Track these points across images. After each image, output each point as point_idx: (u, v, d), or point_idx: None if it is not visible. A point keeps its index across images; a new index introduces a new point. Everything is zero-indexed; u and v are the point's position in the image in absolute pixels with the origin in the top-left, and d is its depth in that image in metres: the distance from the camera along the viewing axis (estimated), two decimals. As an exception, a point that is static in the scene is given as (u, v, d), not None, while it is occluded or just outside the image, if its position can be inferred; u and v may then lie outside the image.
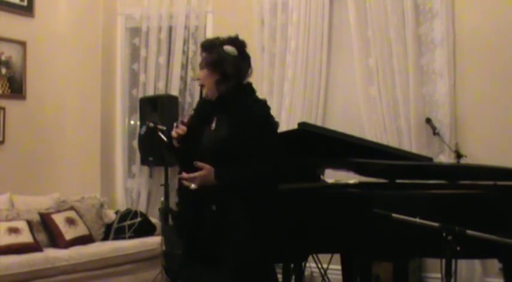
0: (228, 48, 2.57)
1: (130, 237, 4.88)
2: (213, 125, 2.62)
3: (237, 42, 2.61)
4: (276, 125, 2.61)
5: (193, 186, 2.48)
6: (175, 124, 2.68)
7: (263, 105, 2.60)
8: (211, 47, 2.61)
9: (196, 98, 5.13)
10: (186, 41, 5.54)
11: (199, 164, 2.48)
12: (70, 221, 4.63)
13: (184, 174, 2.50)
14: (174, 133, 2.62)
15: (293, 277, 3.33)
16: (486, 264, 4.32)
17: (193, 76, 2.65)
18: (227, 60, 2.56)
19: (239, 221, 2.49)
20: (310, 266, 4.46)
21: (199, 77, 2.63)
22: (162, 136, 4.34)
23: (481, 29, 4.52)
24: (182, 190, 2.64)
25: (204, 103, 2.69)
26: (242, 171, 2.50)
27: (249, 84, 2.65)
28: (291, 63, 5.02)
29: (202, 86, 2.64)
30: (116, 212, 5.17)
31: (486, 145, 4.43)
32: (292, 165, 3.21)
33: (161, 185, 4.84)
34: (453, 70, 4.55)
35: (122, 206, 5.56)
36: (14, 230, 4.21)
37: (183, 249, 2.70)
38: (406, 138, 4.63)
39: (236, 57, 2.58)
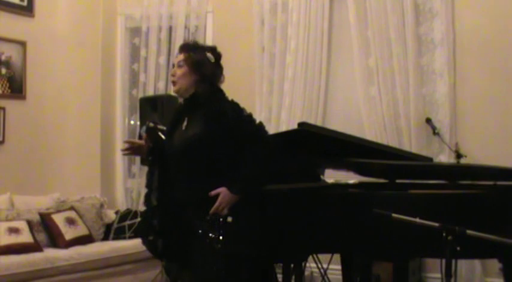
0: (209, 54, 2.72)
1: (130, 237, 4.87)
2: (184, 125, 2.71)
3: (216, 52, 2.77)
4: (249, 116, 2.69)
5: (225, 211, 2.55)
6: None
7: (234, 104, 2.70)
8: (196, 48, 2.74)
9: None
10: (186, 41, 5.54)
11: (213, 192, 2.56)
12: (70, 221, 4.63)
13: (212, 210, 2.56)
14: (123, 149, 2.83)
15: (293, 277, 3.32)
16: (486, 264, 4.32)
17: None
18: (207, 64, 2.70)
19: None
20: (310, 266, 4.45)
21: (173, 73, 2.72)
22: (162, 136, 4.33)
23: (481, 29, 4.52)
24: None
25: (178, 108, 2.81)
26: (246, 170, 2.57)
27: (221, 89, 2.76)
28: (291, 63, 5.01)
29: (173, 83, 2.74)
30: (116, 212, 5.16)
31: (486, 145, 4.43)
32: (292, 165, 3.22)
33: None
34: (453, 70, 4.54)
35: (122, 206, 5.55)
36: (14, 230, 4.21)
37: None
38: (406, 138, 4.63)
39: (213, 64, 2.72)
